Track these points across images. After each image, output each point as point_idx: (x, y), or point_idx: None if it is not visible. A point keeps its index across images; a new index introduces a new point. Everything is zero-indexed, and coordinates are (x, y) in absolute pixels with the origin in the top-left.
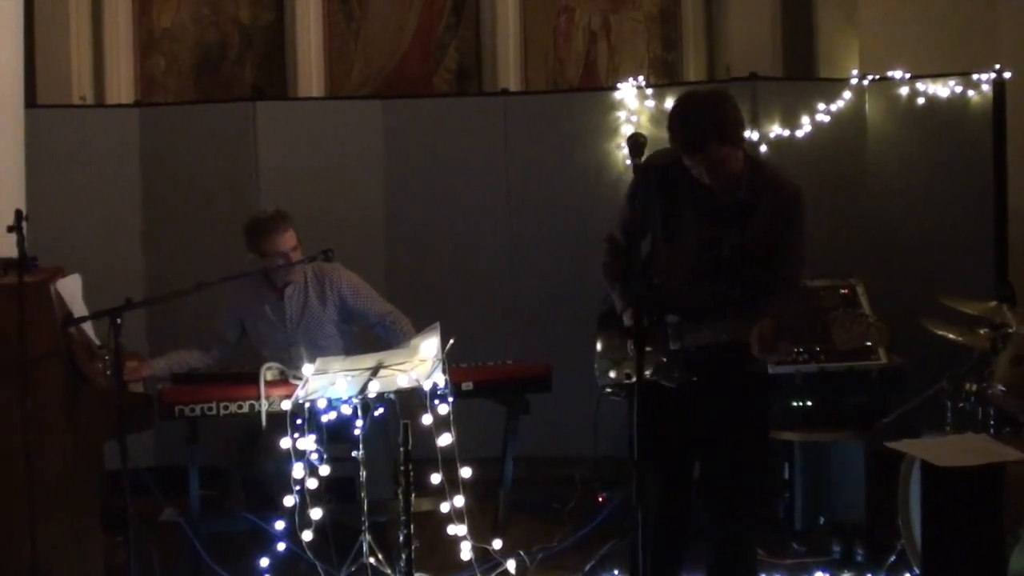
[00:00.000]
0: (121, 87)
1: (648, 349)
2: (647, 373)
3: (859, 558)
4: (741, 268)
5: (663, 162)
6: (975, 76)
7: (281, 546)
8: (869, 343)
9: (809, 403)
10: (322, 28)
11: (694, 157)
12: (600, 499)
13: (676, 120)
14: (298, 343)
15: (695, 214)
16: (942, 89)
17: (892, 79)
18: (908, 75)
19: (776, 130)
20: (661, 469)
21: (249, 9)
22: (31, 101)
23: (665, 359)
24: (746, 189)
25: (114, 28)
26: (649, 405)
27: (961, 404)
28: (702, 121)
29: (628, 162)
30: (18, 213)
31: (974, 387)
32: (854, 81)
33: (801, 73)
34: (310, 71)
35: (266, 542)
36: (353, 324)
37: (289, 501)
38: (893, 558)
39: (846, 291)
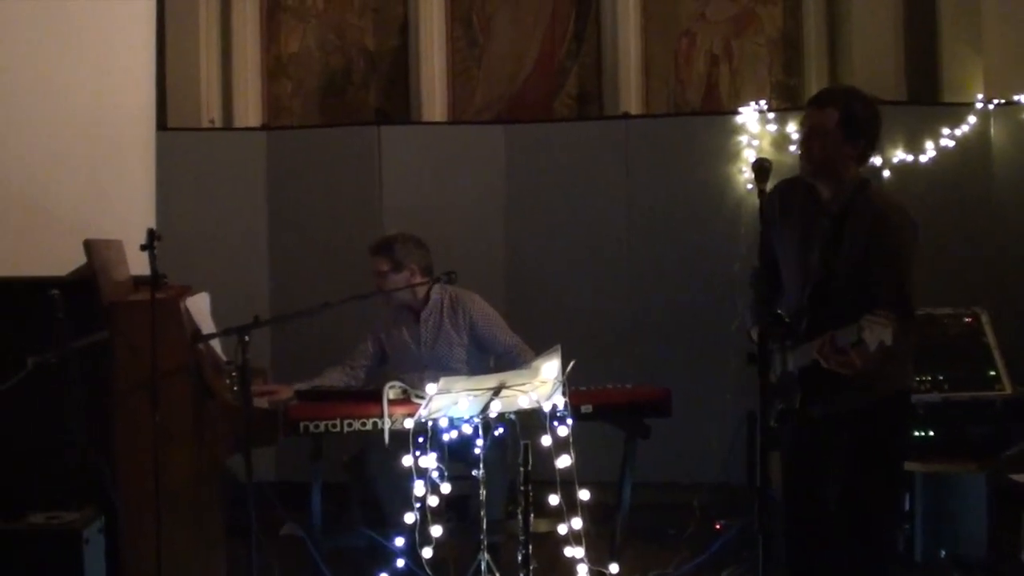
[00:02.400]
0: (249, 111)
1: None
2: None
3: None
4: (837, 293)
5: (784, 187)
6: None
7: (400, 563)
8: (884, 340)
9: (931, 433)
10: (446, 53)
11: (809, 112)
12: (717, 526)
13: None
14: (430, 365)
15: (802, 232)
16: None
17: (1019, 103)
18: None
19: (899, 155)
20: (794, 500)
21: (374, 35)
22: (162, 124)
23: (785, 381)
24: (844, 201)
25: (242, 53)
26: (788, 435)
27: None
28: (839, 88)
29: (750, 187)
30: (151, 232)
31: None
32: (979, 105)
33: (925, 98)
34: (433, 96)
35: (385, 558)
36: (484, 352)
37: (409, 518)
38: None
39: (969, 320)
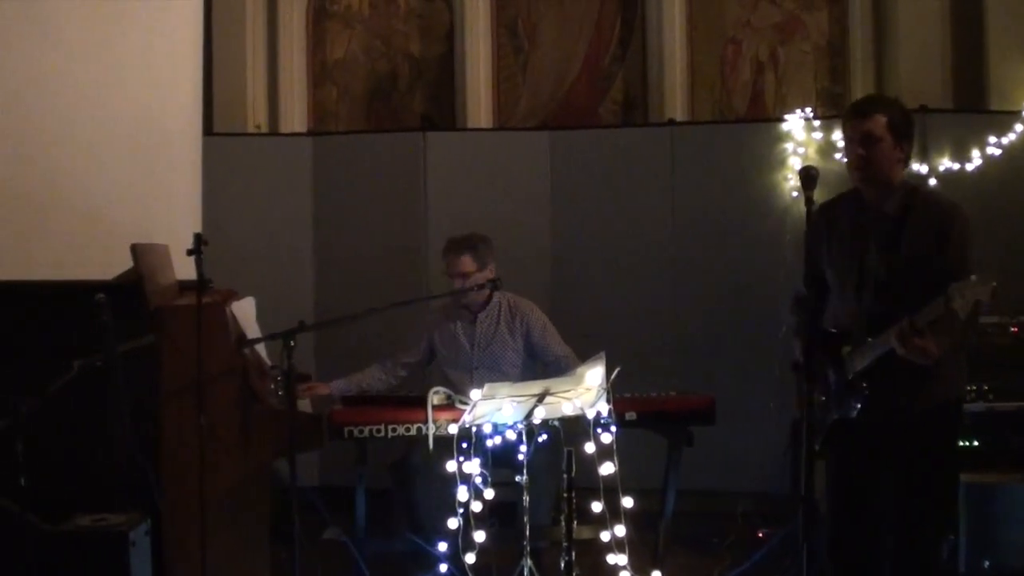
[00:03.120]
0: (294, 116)
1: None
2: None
3: None
4: (900, 291)
5: (828, 205)
6: None
7: (443, 568)
8: (980, 299)
9: (976, 443)
10: (491, 60)
11: (855, 123)
12: (760, 535)
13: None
14: (481, 366)
15: (855, 239)
16: None
17: None
18: None
19: (946, 163)
20: (841, 508)
21: (420, 41)
22: (208, 129)
23: (841, 390)
24: (899, 202)
25: (289, 59)
26: (839, 444)
27: None
28: (879, 97)
29: (795, 194)
30: (197, 237)
31: None
32: None
33: (972, 105)
34: (479, 102)
35: (428, 563)
36: (534, 360)
37: (452, 523)
38: None
39: (1015, 329)
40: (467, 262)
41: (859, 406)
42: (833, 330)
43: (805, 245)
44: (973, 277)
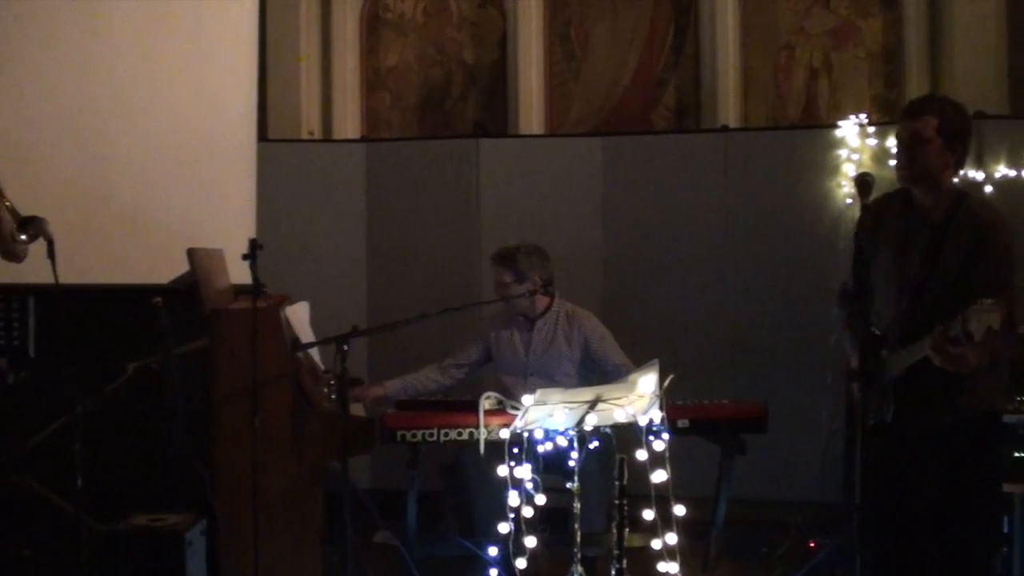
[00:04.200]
0: (348, 123)
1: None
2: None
3: None
4: (936, 300)
5: (879, 203)
6: None
7: (494, 573)
8: (992, 325)
9: None
10: (543, 67)
11: (905, 122)
12: (811, 545)
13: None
14: (535, 373)
15: (900, 243)
16: None
17: None
18: None
19: (1002, 170)
20: (882, 519)
21: (473, 48)
22: (263, 135)
23: (878, 395)
24: (945, 209)
25: (342, 66)
26: (879, 451)
27: None
28: (932, 96)
29: (849, 201)
30: (252, 242)
31: None
32: None
33: None
34: (531, 109)
35: (479, 568)
36: (593, 371)
37: (503, 528)
38: None
39: None
40: (503, 274)
41: (892, 411)
42: (876, 332)
43: (855, 240)
44: (988, 301)
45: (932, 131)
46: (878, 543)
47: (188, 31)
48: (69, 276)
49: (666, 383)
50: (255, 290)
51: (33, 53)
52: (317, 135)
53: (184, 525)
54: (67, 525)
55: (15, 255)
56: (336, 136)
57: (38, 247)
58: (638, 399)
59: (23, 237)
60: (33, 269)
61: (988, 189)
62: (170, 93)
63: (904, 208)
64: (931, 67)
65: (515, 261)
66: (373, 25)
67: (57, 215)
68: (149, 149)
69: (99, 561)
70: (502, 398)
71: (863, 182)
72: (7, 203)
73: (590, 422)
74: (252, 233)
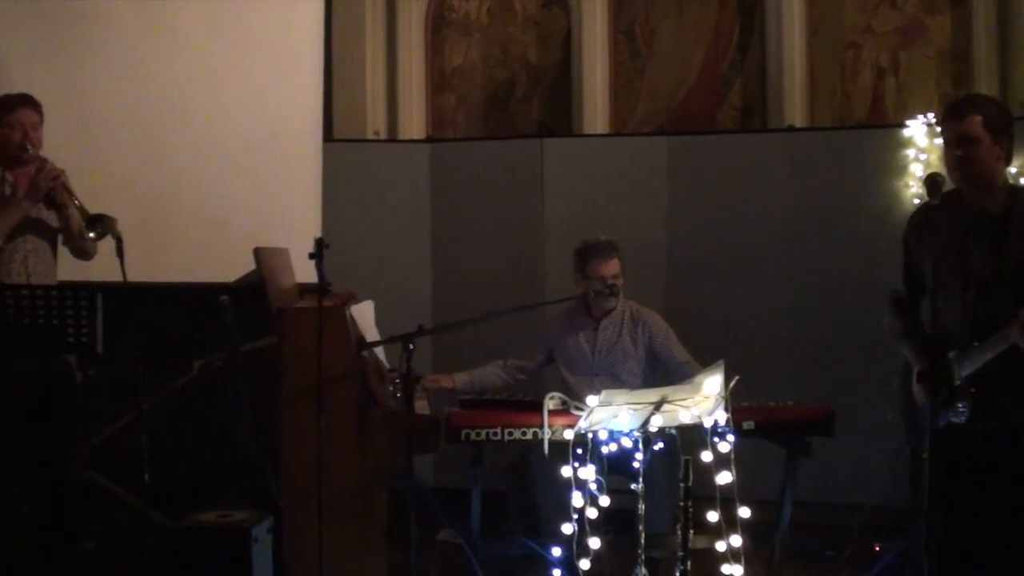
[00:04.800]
0: (413, 123)
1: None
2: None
3: None
4: (1005, 293)
5: (926, 208)
6: None
7: (557, 573)
8: None
9: None
10: (608, 66)
11: (950, 125)
12: (877, 549)
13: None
14: (601, 373)
15: (957, 241)
16: None
17: None
18: None
19: None
20: (949, 521)
21: (537, 48)
22: (328, 136)
23: (951, 396)
24: (1002, 202)
25: (407, 67)
26: (950, 454)
27: None
28: (973, 96)
29: (917, 201)
30: (319, 241)
31: None
32: None
33: None
34: (595, 108)
35: (542, 568)
36: (657, 369)
37: (567, 529)
38: None
39: None
40: (615, 265)
41: (967, 411)
42: (931, 333)
43: (904, 246)
44: None
45: (980, 129)
46: (945, 547)
47: (254, 32)
48: (137, 274)
49: (731, 384)
50: (321, 289)
51: (100, 55)
52: (382, 135)
53: (251, 522)
54: (134, 521)
55: (85, 252)
56: (401, 136)
57: (107, 245)
58: (703, 400)
59: (91, 235)
60: (102, 267)
61: None
62: (237, 94)
63: (955, 207)
64: (1000, 64)
65: (620, 252)
66: (438, 25)
67: (126, 214)
68: (216, 149)
69: (166, 557)
70: (566, 398)
71: (933, 182)
72: (76, 201)
73: (655, 423)
74: (317, 232)
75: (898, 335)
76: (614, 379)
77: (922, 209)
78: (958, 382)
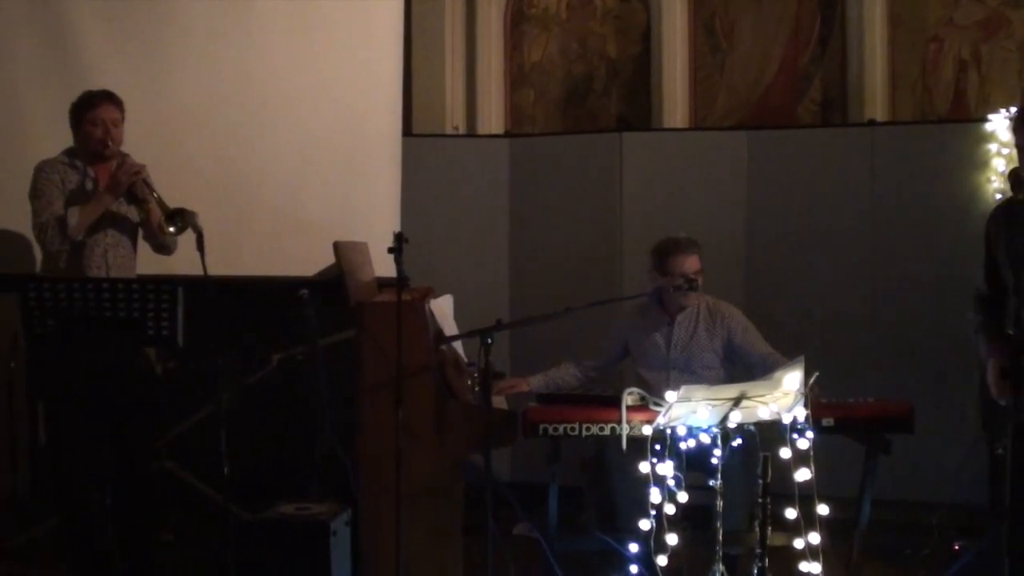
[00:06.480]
0: (492, 118)
1: None
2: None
3: None
4: None
5: (1004, 206)
6: None
7: (634, 569)
8: None
9: None
10: (687, 60)
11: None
12: (956, 547)
13: None
14: (677, 367)
15: None
16: None
17: None
18: None
19: None
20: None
21: (616, 42)
22: (408, 131)
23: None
24: None
25: (487, 62)
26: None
27: None
28: None
29: (999, 197)
30: (398, 236)
31: None
32: None
33: None
34: (675, 102)
35: (618, 563)
36: (736, 362)
37: (645, 525)
38: None
39: None
40: (696, 261)
41: None
42: (1010, 332)
43: (985, 242)
44: None
45: None
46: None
47: (335, 28)
48: (217, 268)
49: (812, 381)
50: (400, 283)
51: (179, 51)
52: (461, 130)
53: (329, 515)
54: (213, 513)
55: (165, 248)
56: (480, 131)
57: (188, 239)
58: (782, 396)
59: (171, 229)
60: (183, 261)
61: None
62: (316, 89)
63: None
64: None
65: (700, 248)
66: (517, 20)
67: (206, 209)
68: (296, 144)
69: (245, 549)
70: (645, 394)
71: (1017, 178)
72: (156, 196)
73: (734, 419)
74: (397, 227)
75: (976, 329)
76: (690, 374)
77: (1004, 205)
78: None
